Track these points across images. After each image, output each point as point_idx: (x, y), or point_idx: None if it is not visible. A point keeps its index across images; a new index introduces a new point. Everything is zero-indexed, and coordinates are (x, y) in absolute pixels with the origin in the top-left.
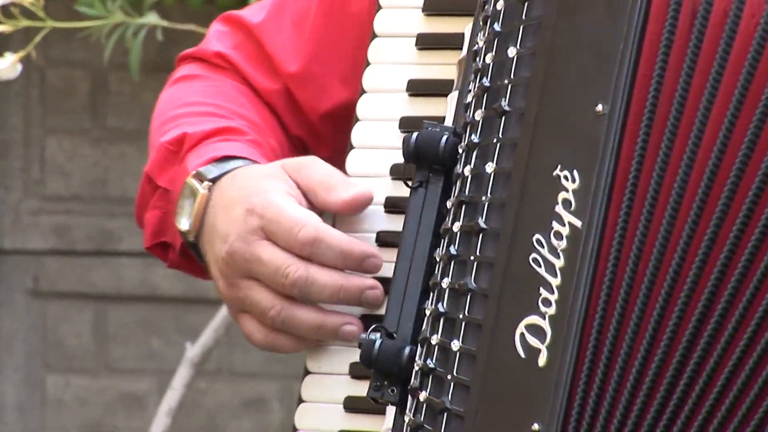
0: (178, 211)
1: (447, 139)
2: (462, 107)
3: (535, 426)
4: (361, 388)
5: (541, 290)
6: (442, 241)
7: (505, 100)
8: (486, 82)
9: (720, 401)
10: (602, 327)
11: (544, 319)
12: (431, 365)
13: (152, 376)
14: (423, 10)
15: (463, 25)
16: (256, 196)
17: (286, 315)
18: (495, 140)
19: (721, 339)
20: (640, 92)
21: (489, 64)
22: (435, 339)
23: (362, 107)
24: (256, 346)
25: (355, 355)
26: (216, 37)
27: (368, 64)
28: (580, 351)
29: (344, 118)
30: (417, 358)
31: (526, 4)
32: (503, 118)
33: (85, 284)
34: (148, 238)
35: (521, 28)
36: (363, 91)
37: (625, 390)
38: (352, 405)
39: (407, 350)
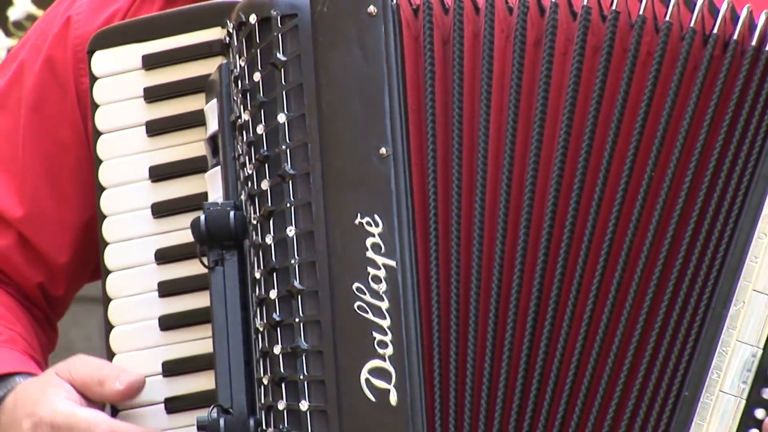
0: None
1: (235, 214)
2: (233, 181)
3: None
4: None
5: (374, 334)
6: (260, 309)
7: (287, 165)
8: (264, 151)
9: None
10: (441, 354)
11: (385, 360)
12: (284, 430)
13: None
14: (145, 99)
15: (187, 105)
16: (40, 407)
17: None
18: (288, 204)
19: (556, 341)
20: (416, 127)
21: (261, 134)
22: (281, 404)
23: (106, 204)
24: None
25: None
26: None
27: (100, 162)
28: (427, 381)
29: (89, 237)
30: (265, 426)
31: (282, 69)
32: (291, 182)
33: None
34: None
35: (284, 93)
36: (102, 188)
37: (480, 409)
38: None
39: (252, 422)
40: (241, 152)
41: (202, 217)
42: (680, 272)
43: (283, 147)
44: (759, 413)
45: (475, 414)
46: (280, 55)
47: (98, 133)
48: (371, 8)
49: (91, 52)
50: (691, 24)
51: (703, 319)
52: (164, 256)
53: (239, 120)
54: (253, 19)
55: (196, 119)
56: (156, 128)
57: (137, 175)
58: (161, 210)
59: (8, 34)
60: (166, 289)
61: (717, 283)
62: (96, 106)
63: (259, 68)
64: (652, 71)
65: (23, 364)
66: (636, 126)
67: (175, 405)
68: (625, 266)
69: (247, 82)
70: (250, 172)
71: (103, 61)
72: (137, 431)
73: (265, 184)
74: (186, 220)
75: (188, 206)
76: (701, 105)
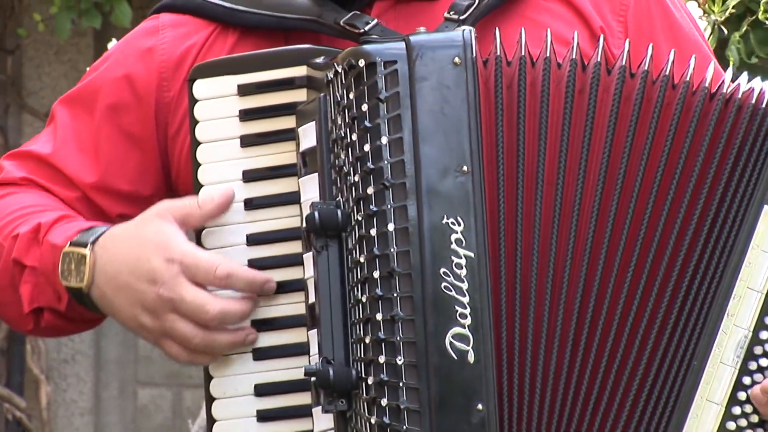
0: (64, 275)
1: (341, 211)
2: (329, 187)
3: (479, 406)
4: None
5: (456, 308)
6: (364, 286)
7: (389, 175)
8: (370, 164)
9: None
10: (507, 323)
11: (465, 328)
12: (384, 378)
13: None
14: (240, 118)
15: (275, 125)
16: (170, 247)
17: (207, 341)
18: (389, 206)
19: (597, 319)
20: (487, 150)
21: (367, 151)
22: (381, 358)
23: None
24: (178, 362)
25: (255, 377)
26: (14, 168)
27: (198, 164)
28: (496, 345)
29: (140, 210)
30: (364, 375)
31: (385, 103)
32: (391, 189)
33: None
34: (25, 305)
35: (386, 120)
36: (200, 185)
37: (538, 366)
38: (265, 415)
39: (354, 372)
40: (342, 164)
41: (316, 213)
42: (693, 273)
43: (385, 162)
44: (746, 380)
45: (533, 371)
46: (383, 92)
47: (197, 143)
48: (456, 59)
49: (192, 80)
50: (706, 84)
51: (709, 308)
52: (252, 240)
53: (345, 140)
54: (362, 63)
55: (281, 136)
56: (249, 141)
57: (232, 176)
58: (251, 204)
59: None
60: (255, 265)
61: (720, 281)
62: (196, 122)
63: (366, 101)
64: (673, 119)
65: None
66: (661, 161)
67: None
68: (651, 270)
69: (355, 111)
70: (356, 179)
71: (202, 87)
72: (249, 270)
73: (370, 190)
74: (271, 212)
75: (273, 202)
76: (711, 146)
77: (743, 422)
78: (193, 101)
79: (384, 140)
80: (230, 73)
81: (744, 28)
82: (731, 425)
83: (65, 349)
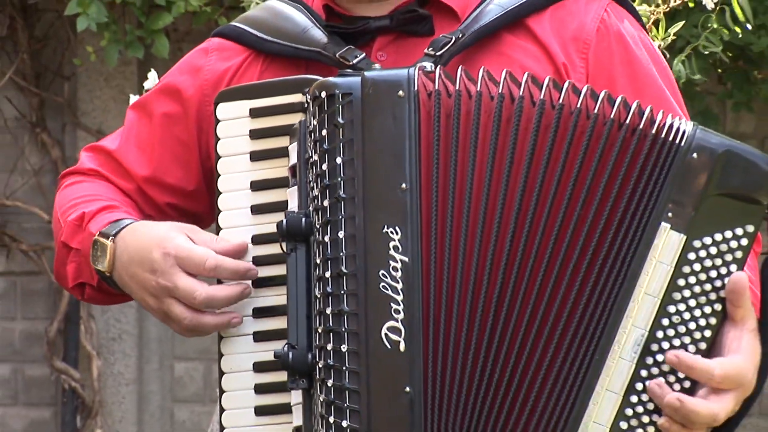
0: (93, 259)
1: (305, 220)
2: (305, 198)
3: (407, 389)
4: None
5: (392, 305)
6: (319, 284)
7: (341, 191)
8: (326, 181)
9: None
10: (435, 321)
11: (398, 322)
12: (331, 362)
13: None
14: (250, 137)
15: (278, 143)
16: (167, 242)
17: (196, 322)
18: (340, 216)
19: (508, 323)
20: (425, 171)
21: (325, 170)
22: (329, 346)
23: (222, 203)
24: (179, 333)
25: (255, 356)
26: (87, 160)
27: (219, 175)
28: (424, 337)
29: (184, 202)
30: (318, 359)
31: (341, 129)
32: (342, 202)
33: None
34: (70, 281)
35: (341, 144)
36: (220, 192)
37: (458, 356)
38: (261, 389)
39: (309, 356)
40: (311, 180)
41: (284, 221)
42: (596, 279)
43: (339, 179)
44: (643, 373)
45: (454, 360)
46: (339, 119)
47: (219, 156)
48: (400, 92)
49: (216, 103)
50: (612, 116)
51: (611, 310)
52: (257, 241)
53: (311, 159)
54: (323, 94)
55: (282, 153)
56: (256, 156)
57: (242, 186)
58: (257, 209)
59: None
60: (258, 262)
61: (621, 287)
62: (218, 138)
63: (326, 126)
64: (583, 146)
65: (125, 215)
66: (571, 180)
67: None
68: (559, 274)
69: (317, 134)
70: (317, 194)
71: (224, 110)
72: (234, 262)
73: (326, 203)
74: (272, 217)
75: (275, 209)
76: (615, 169)
77: (640, 409)
78: (216, 121)
79: (339, 160)
80: (244, 98)
81: (687, 53)
82: (629, 411)
83: (113, 329)
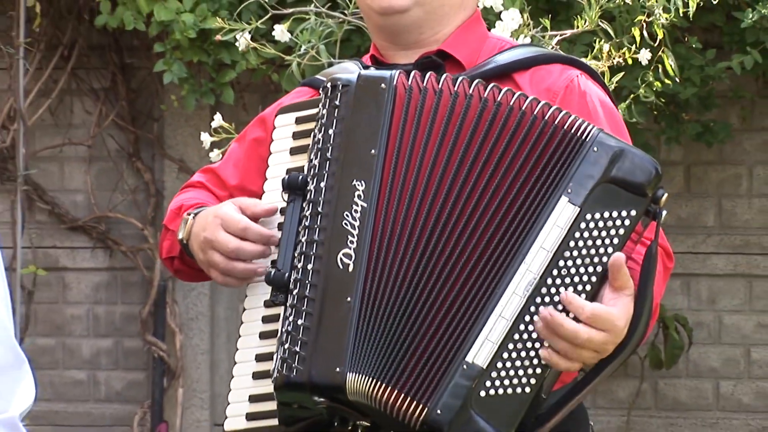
0: (179, 232)
1: (301, 176)
2: (308, 162)
3: (348, 299)
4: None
5: (348, 237)
6: (302, 221)
7: (329, 153)
8: (319, 146)
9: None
10: (378, 248)
11: (351, 249)
12: (299, 277)
13: None
14: (292, 137)
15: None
16: (218, 210)
17: (229, 267)
18: (324, 172)
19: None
20: (392, 143)
21: (321, 137)
22: (300, 265)
23: (267, 186)
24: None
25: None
26: (197, 176)
27: (268, 165)
28: (368, 262)
29: None
30: (293, 276)
31: (337, 109)
32: (328, 162)
33: None
34: (164, 253)
35: (334, 119)
36: (266, 178)
37: (393, 275)
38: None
39: (287, 275)
40: (312, 148)
41: (285, 177)
42: (503, 234)
43: (328, 144)
44: (532, 309)
45: (388, 279)
46: (336, 102)
47: (270, 152)
48: (383, 85)
49: (276, 115)
50: (535, 112)
51: (513, 255)
52: (283, 211)
53: (315, 135)
54: (329, 84)
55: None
56: (294, 152)
57: (282, 173)
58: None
59: (211, 134)
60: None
61: (524, 238)
62: (272, 140)
63: (327, 107)
64: (511, 130)
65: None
66: (498, 154)
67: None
68: (474, 227)
69: (321, 114)
70: (313, 156)
71: (279, 119)
72: (261, 228)
73: (316, 161)
74: None
75: None
76: (533, 149)
77: (525, 336)
78: (274, 128)
79: (331, 131)
80: (293, 111)
81: (629, 101)
82: (516, 336)
83: (191, 311)
